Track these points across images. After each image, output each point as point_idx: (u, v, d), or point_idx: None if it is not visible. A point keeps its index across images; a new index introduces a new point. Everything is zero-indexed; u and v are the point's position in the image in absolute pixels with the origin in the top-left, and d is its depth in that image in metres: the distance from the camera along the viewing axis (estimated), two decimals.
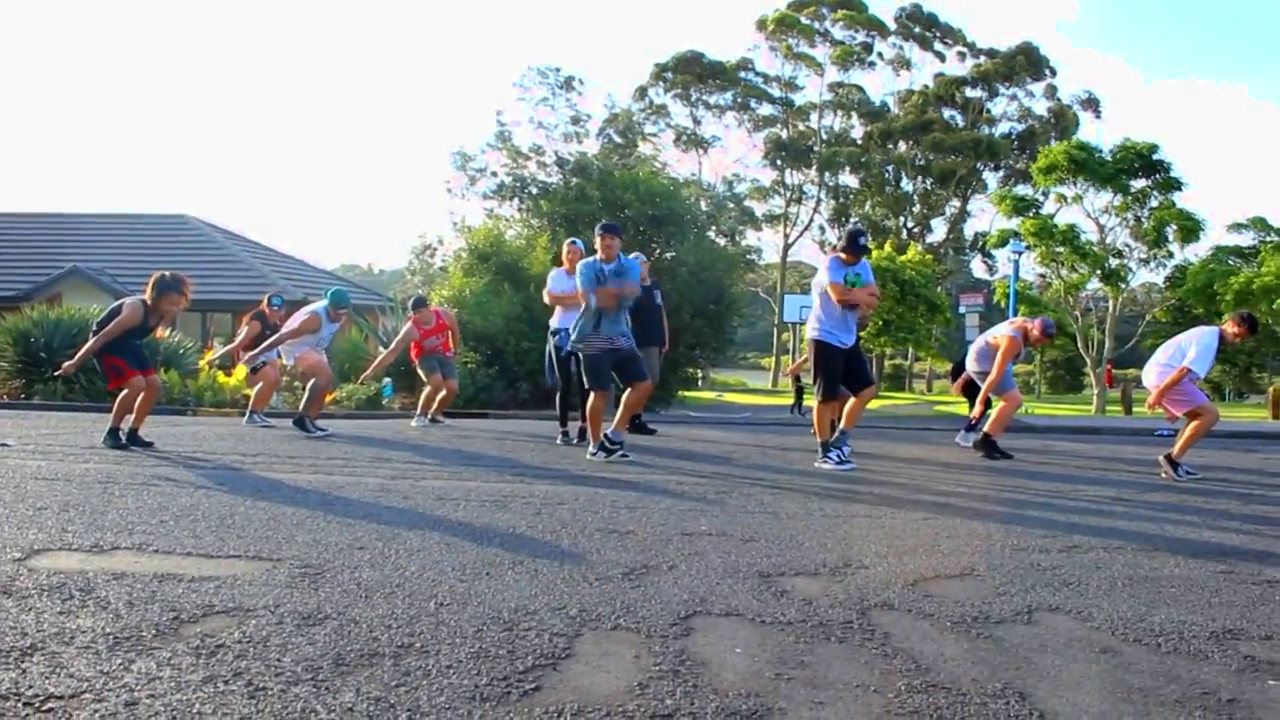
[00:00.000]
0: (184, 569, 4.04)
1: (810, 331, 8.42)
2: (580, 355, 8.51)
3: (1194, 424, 8.29)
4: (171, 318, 8.61)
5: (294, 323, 10.50)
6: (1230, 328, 8.35)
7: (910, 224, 62.04)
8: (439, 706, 2.64)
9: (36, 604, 3.46)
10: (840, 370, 8.29)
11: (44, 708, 2.55)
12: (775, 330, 61.63)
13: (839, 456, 8.16)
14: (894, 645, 3.30)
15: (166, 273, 8.62)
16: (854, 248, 8.27)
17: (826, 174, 61.22)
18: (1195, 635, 3.52)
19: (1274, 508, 6.82)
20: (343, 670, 2.89)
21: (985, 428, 9.74)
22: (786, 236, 62.12)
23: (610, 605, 3.67)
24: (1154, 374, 8.41)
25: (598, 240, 8.35)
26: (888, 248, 36.72)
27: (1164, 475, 8.15)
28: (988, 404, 10.59)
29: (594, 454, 8.36)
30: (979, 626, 3.55)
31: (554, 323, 10.03)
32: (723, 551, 4.70)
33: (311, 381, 10.56)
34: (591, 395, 8.47)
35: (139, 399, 8.53)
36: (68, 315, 17.11)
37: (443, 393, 11.92)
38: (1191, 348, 8.18)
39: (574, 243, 10.11)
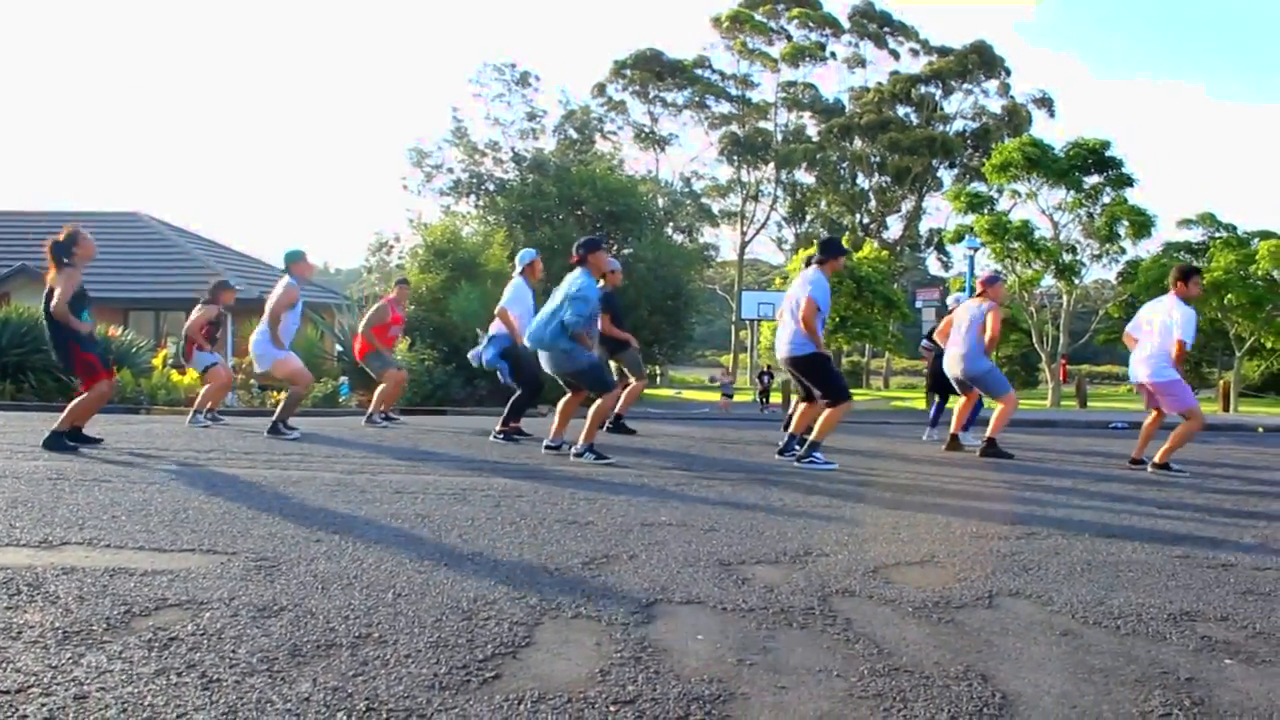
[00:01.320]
0: (136, 563, 3.96)
1: (809, 348, 8.05)
2: (585, 360, 7.96)
3: (1182, 426, 8.19)
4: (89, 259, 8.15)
5: (274, 297, 9.68)
6: (1181, 290, 8.19)
7: (866, 221, 62.45)
8: (397, 695, 2.60)
9: None
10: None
11: None
12: (734, 328, 61.76)
13: (822, 457, 8.04)
14: (856, 630, 3.30)
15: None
16: (836, 254, 8.51)
17: (783, 171, 61.46)
18: (1153, 617, 3.55)
19: (1226, 496, 6.93)
20: (299, 661, 2.84)
21: (989, 431, 9.56)
22: (744, 234, 62.31)
23: (570, 594, 3.64)
24: (1145, 369, 8.23)
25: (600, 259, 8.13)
26: (843, 245, 36.97)
27: (1159, 474, 8.03)
28: (946, 401, 10.70)
29: (600, 459, 7.77)
30: (940, 611, 3.55)
31: (493, 329, 9.61)
32: (683, 541, 4.68)
33: (292, 390, 9.89)
34: (600, 398, 7.94)
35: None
36: (16, 314, 16.78)
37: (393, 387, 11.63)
38: (1175, 327, 7.97)
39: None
